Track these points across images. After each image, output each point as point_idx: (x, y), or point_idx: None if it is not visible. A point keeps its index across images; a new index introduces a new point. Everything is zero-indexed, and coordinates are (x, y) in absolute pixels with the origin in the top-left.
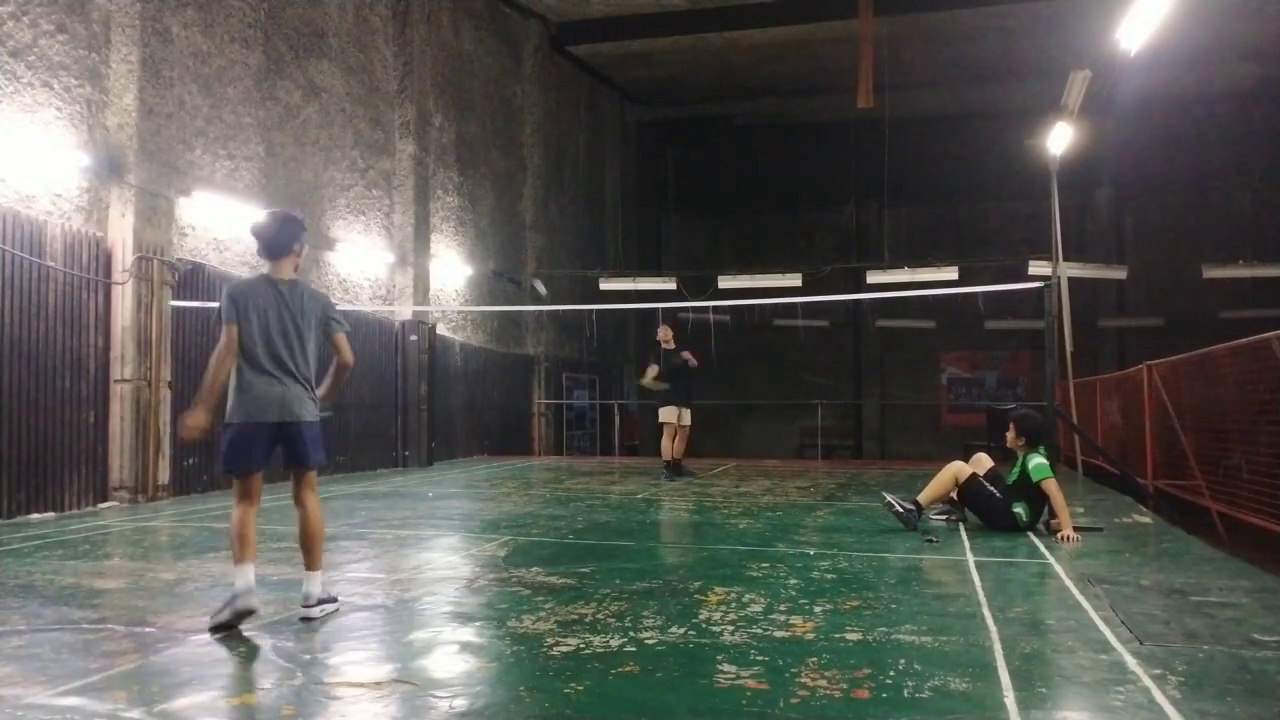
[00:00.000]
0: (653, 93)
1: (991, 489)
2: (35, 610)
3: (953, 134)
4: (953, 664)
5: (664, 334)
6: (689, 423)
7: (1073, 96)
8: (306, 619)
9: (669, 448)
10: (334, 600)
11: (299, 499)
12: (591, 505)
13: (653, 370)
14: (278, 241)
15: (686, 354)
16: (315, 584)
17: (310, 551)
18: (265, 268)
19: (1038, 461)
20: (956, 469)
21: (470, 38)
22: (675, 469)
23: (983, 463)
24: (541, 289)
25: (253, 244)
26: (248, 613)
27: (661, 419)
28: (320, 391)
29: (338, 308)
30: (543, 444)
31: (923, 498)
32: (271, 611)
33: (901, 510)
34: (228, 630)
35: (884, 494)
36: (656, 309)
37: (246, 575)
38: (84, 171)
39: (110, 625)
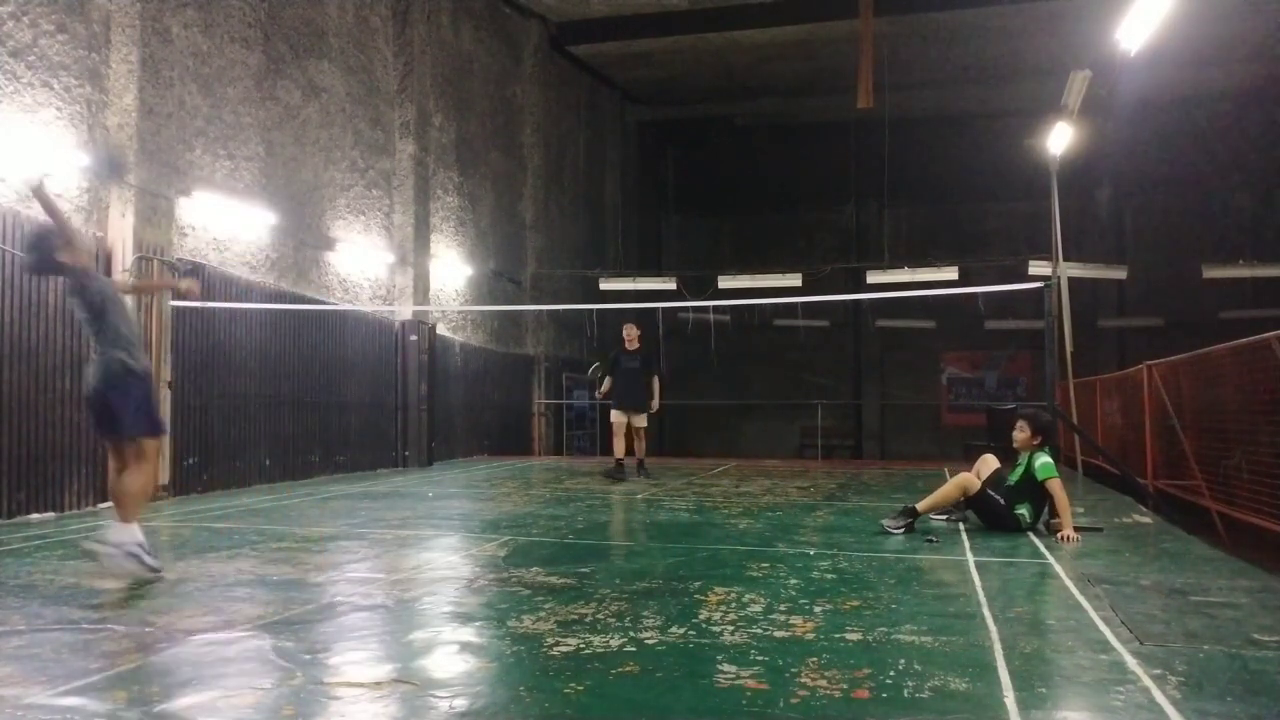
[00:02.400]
0: (653, 93)
1: (997, 498)
2: (35, 610)
3: (953, 134)
4: (953, 664)
5: (629, 333)
6: (644, 424)
7: (1073, 96)
8: (85, 549)
9: (621, 448)
10: (133, 556)
11: None
12: (591, 505)
13: (606, 386)
14: (41, 261)
15: (655, 405)
16: (115, 532)
17: (116, 505)
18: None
19: (1044, 460)
20: (964, 482)
21: (470, 38)
22: (617, 470)
23: (989, 463)
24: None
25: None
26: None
27: (611, 419)
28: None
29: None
30: (543, 444)
31: (922, 506)
32: (272, 611)
33: (900, 533)
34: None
35: (881, 522)
36: (657, 309)
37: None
38: (84, 171)
39: (110, 625)
